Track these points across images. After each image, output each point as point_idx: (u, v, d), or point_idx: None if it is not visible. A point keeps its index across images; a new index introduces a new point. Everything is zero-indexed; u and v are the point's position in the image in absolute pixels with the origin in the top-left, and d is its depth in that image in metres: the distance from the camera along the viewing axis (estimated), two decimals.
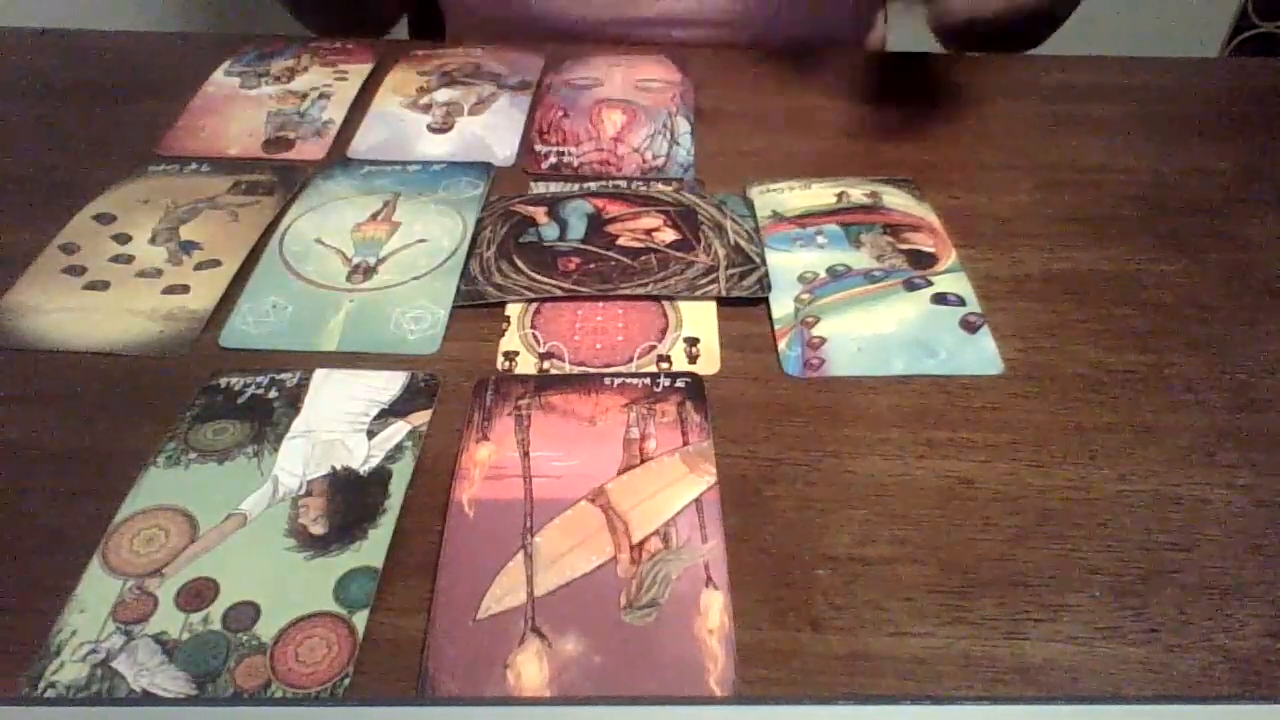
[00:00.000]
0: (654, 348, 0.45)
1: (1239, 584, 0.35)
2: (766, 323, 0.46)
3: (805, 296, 0.48)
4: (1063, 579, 0.35)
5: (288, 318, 0.46)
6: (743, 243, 0.51)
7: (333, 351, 0.45)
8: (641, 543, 0.36)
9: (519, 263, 0.49)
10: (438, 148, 0.59)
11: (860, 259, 0.50)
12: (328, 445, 0.40)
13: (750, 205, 0.54)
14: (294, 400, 0.42)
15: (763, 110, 0.64)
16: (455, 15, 0.80)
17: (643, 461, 0.39)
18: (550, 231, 0.51)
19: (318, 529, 0.36)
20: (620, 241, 0.51)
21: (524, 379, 0.43)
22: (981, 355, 0.44)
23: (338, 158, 0.59)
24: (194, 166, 0.57)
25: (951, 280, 0.48)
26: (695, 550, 0.36)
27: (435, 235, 0.51)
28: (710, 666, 0.32)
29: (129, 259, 0.50)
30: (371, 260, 0.50)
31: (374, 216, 0.53)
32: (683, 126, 0.60)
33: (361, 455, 0.40)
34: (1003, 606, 0.34)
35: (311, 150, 0.59)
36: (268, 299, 0.47)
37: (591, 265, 0.49)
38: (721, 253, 0.50)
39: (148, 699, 0.31)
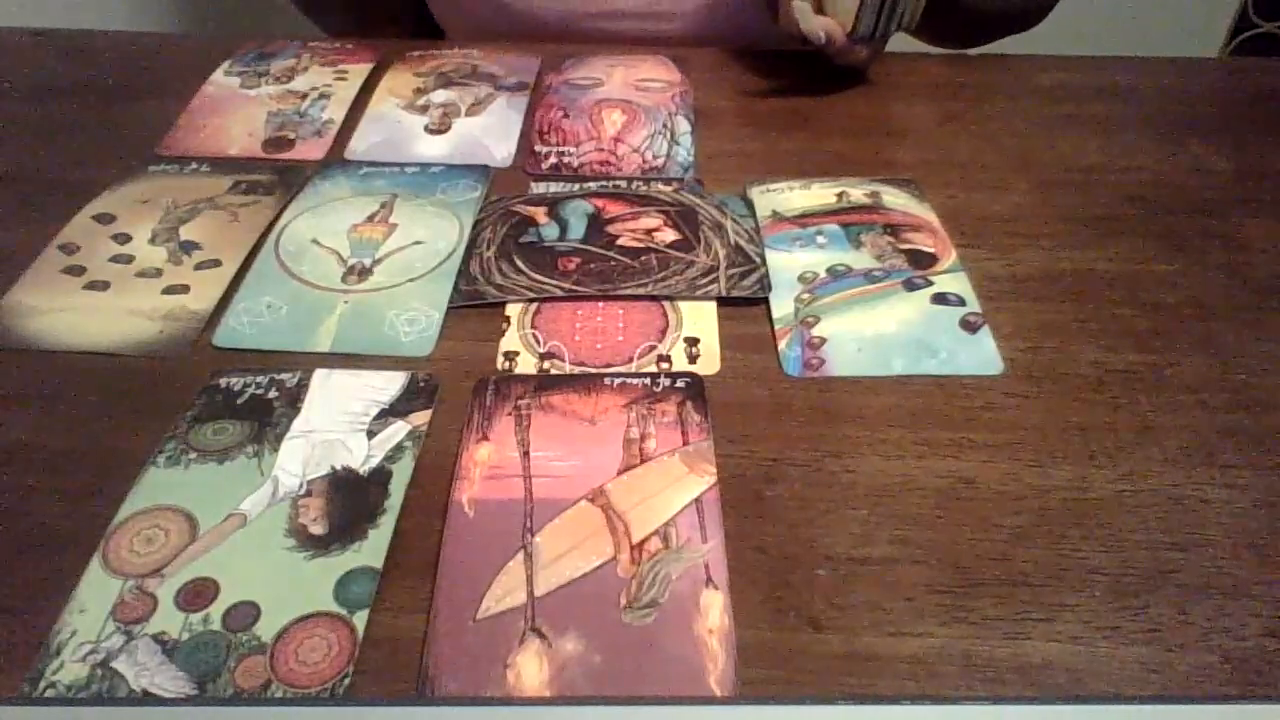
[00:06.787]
0: (654, 348, 0.45)
1: (1239, 584, 0.35)
2: (766, 323, 0.46)
3: (805, 296, 0.47)
4: (1063, 579, 0.35)
5: (282, 318, 0.46)
6: (743, 243, 0.51)
7: (327, 352, 0.45)
8: (641, 543, 0.36)
9: (519, 263, 0.49)
10: (435, 149, 0.59)
11: (860, 259, 0.50)
12: (328, 445, 0.40)
13: (750, 205, 0.54)
14: (294, 400, 0.42)
15: (763, 110, 0.64)
16: (441, 10, 0.80)
17: (643, 461, 0.39)
18: (550, 231, 0.51)
19: (318, 529, 0.36)
20: (620, 241, 0.51)
21: (524, 379, 0.43)
22: (981, 355, 0.44)
23: (337, 158, 0.59)
24: (194, 166, 0.57)
25: (951, 280, 0.48)
26: (695, 550, 0.36)
27: (431, 238, 0.51)
28: (710, 666, 0.32)
29: (129, 259, 0.50)
30: (367, 261, 0.50)
31: (371, 218, 0.53)
32: (683, 126, 0.60)
33: (361, 455, 0.40)
34: (1003, 606, 0.34)
35: (311, 150, 0.59)
36: (262, 299, 0.47)
37: (591, 265, 0.49)
38: (721, 253, 0.50)
39: (148, 699, 0.31)
